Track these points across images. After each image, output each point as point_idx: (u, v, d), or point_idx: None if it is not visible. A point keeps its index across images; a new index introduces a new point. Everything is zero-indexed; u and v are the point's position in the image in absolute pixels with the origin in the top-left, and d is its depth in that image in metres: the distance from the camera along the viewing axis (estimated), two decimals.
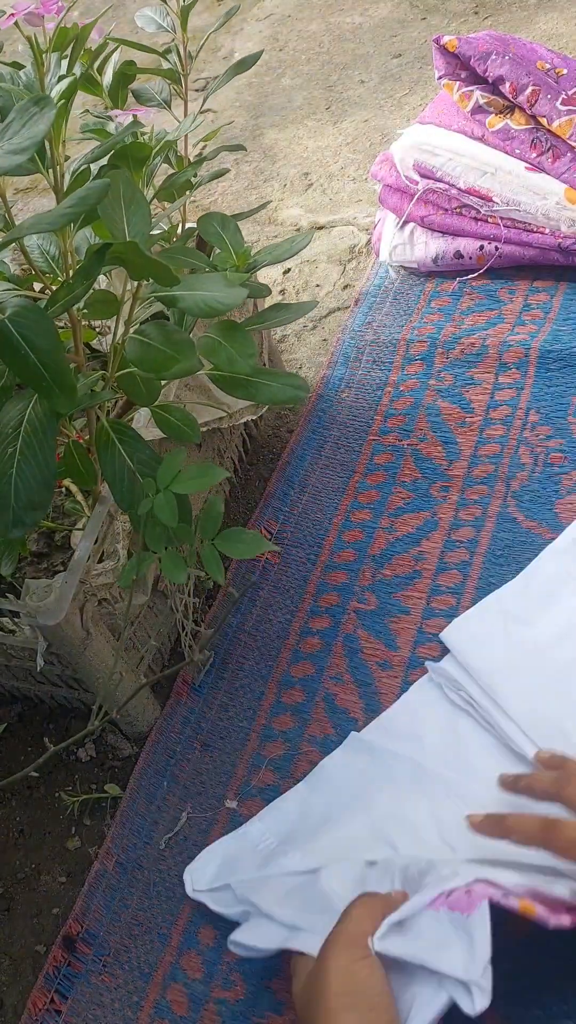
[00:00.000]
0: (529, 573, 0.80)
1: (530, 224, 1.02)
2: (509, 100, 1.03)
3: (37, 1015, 0.69)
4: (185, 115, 0.83)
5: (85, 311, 0.67)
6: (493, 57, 1.03)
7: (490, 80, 1.03)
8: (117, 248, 0.57)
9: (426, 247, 1.10)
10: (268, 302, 1.16)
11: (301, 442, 1.00)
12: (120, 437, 0.69)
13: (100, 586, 0.73)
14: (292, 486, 0.96)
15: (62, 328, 0.73)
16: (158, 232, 0.85)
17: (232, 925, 0.65)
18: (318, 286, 1.20)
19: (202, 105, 0.88)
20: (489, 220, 1.05)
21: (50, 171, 0.63)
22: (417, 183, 1.08)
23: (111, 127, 0.80)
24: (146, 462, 0.69)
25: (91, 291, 0.61)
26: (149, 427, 0.77)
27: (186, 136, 0.82)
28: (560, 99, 1.01)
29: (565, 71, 1.03)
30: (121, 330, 0.68)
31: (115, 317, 0.67)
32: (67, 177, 0.65)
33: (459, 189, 1.05)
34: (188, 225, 0.91)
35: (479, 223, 1.05)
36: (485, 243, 1.05)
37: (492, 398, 0.96)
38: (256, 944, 0.61)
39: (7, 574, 0.77)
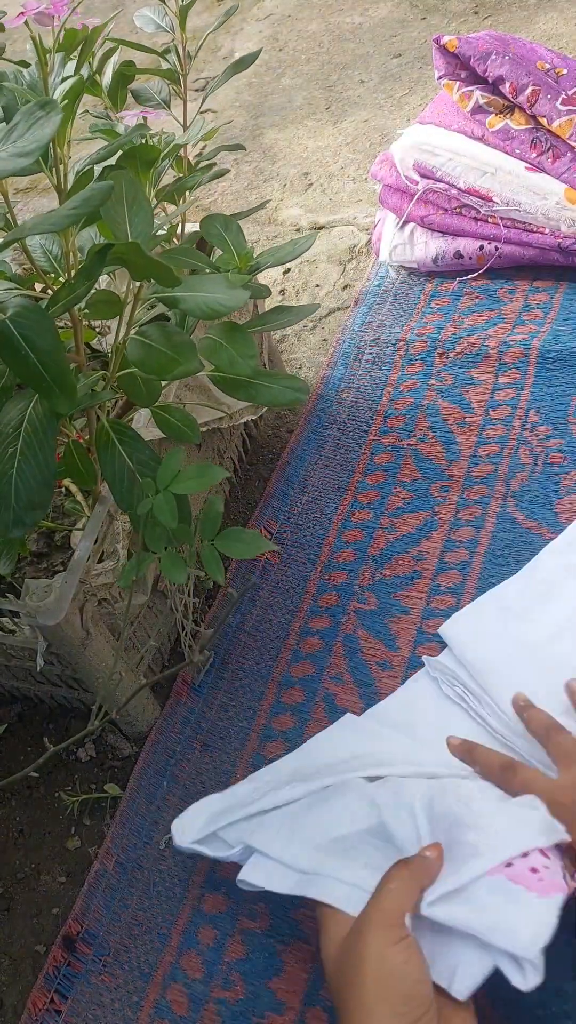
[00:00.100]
0: (528, 570, 0.81)
1: (530, 224, 1.02)
2: (509, 100, 1.03)
3: (37, 1015, 0.69)
4: (185, 115, 0.83)
5: (86, 311, 0.67)
6: (493, 57, 1.03)
7: (490, 80, 1.03)
8: (119, 249, 0.57)
9: (426, 247, 1.10)
10: (268, 302, 1.16)
11: (301, 442, 1.00)
12: (120, 437, 0.69)
13: (100, 586, 0.73)
14: (292, 486, 0.96)
15: (63, 328, 0.73)
16: (161, 233, 0.85)
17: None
18: (318, 286, 1.20)
19: (201, 105, 0.88)
20: (489, 220, 1.05)
21: (53, 171, 0.63)
22: (417, 183, 1.08)
23: (120, 128, 0.80)
24: (146, 462, 0.69)
25: (93, 291, 0.61)
26: (149, 427, 0.77)
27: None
28: (560, 99, 1.01)
29: (565, 71, 1.03)
30: (122, 331, 0.68)
31: (116, 318, 0.67)
32: (71, 177, 0.65)
33: (459, 189, 1.05)
34: (189, 226, 0.91)
35: (479, 223, 1.05)
36: (485, 243, 1.05)
37: (492, 398, 0.96)
38: (266, 886, 0.61)
39: (7, 574, 0.77)
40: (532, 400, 0.94)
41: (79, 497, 0.81)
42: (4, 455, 0.59)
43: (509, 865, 0.54)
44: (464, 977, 0.52)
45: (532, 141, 1.02)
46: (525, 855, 0.54)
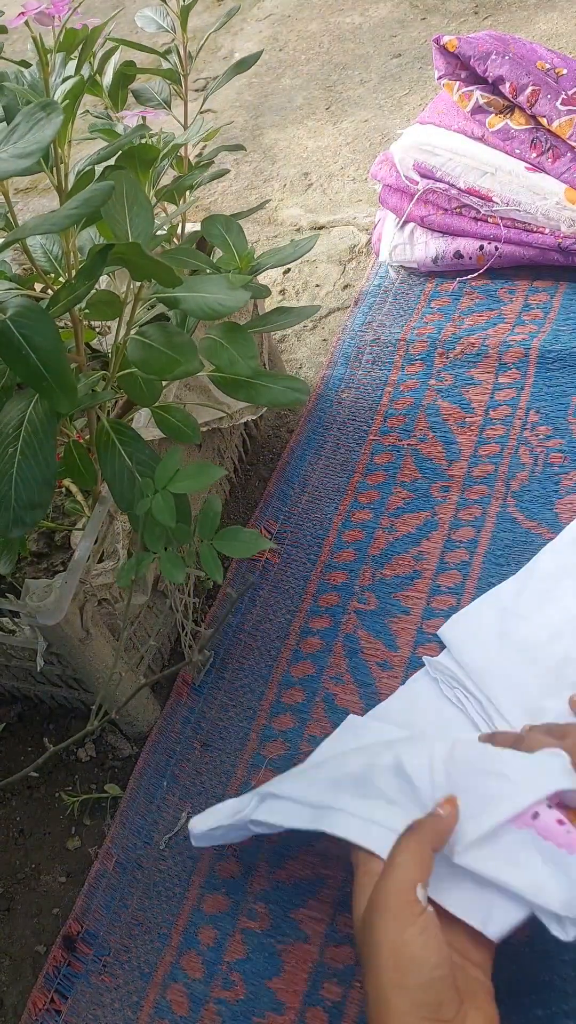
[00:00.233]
0: (527, 571, 0.81)
1: (530, 224, 1.02)
2: (509, 100, 1.03)
3: (37, 1015, 0.69)
4: (185, 115, 0.83)
5: (87, 311, 0.67)
6: (493, 57, 1.03)
7: (490, 80, 1.04)
8: (120, 249, 0.57)
9: (426, 247, 1.10)
10: (268, 302, 1.16)
11: (301, 442, 1.00)
12: (120, 437, 0.69)
13: (100, 586, 0.73)
14: (292, 486, 0.96)
15: (63, 328, 0.73)
16: (161, 233, 0.85)
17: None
18: (318, 286, 1.20)
19: (202, 105, 0.88)
20: (489, 220, 1.05)
21: (54, 171, 0.63)
22: (417, 183, 1.08)
23: (119, 128, 0.80)
24: (146, 462, 0.69)
25: (93, 291, 0.61)
26: (149, 427, 0.77)
27: None
28: (560, 99, 1.01)
29: (565, 71, 1.03)
30: (123, 331, 0.68)
31: (116, 318, 0.67)
32: (71, 177, 0.65)
33: (459, 189, 1.05)
34: (189, 226, 0.91)
35: (479, 223, 1.05)
36: (485, 243, 1.06)
37: (492, 398, 0.96)
38: (282, 823, 0.60)
39: (7, 574, 0.77)
40: (532, 400, 0.94)
41: (79, 497, 0.81)
42: (4, 455, 0.59)
43: (536, 816, 0.53)
44: (499, 920, 0.52)
45: (532, 141, 1.02)
46: (550, 806, 0.54)
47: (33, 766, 0.74)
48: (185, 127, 0.83)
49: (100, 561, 0.74)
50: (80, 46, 0.65)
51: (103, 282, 0.86)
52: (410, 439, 0.96)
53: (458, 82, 1.07)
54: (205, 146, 1.41)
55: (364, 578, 0.86)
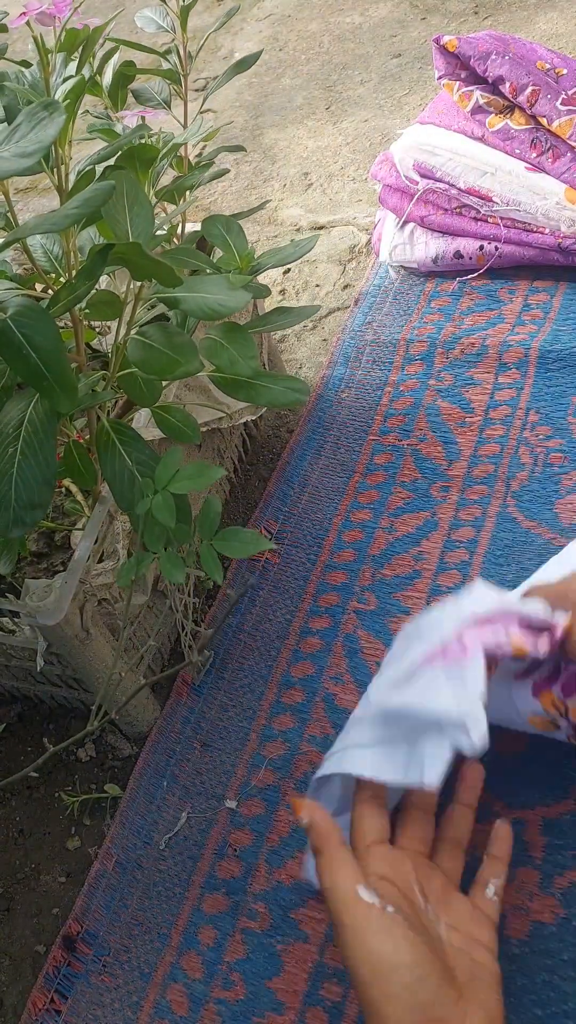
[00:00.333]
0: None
1: (530, 224, 1.02)
2: (509, 100, 1.03)
3: (37, 1015, 0.69)
4: (185, 115, 0.83)
5: (87, 311, 0.67)
6: (493, 57, 1.03)
7: (490, 80, 1.04)
8: (120, 248, 0.57)
9: (426, 247, 1.10)
10: (268, 302, 1.16)
11: (301, 442, 1.00)
12: (120, 437, 0.69)
13: (100, 586, 0.73)
14: (292, 486, 0.96)
15: (63, 328, 0.73)
16: (161, 233, 0.85)
17: None
18: (318, 286, 1.20)
19: (202, 105, 0.88)
20: (489, 220, 1.05)
21: (54, 171, 0.63)
22: (417, 183, 1.08)
23: (118, 128, 0.80)
24: (146, 462, 0.69)
25: (93, 291, 0.61)
26: (149, 427, 0.77)
27: None
28: (560, 99, 1.01)
29: (565, 71, 1.03)
30: (123, 331, 0.68)
31: (117, 318, 0.67)
32: (71, 177, 0.65)
33: (459, 189, 1.05)
34: (189, 226, 0.91)
35: (479, 223, 1.05)
36: (485, 243, 1.06)
37: (492, 398, 0.96)
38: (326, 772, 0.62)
39: (7, 574, 0.77)
40: (532, 400, 0.94)
41: (79, 497, 0.81)
42: (4, 455, 0.59)
43: (445, 651, 0.57)
44: (431, 766, 0.54)
45: (532, 141, 1.02)
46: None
47: (33, 766, 0.74)
48: (185, 127, 0.83)
49: (100, 561, 0.74)
50: (81, 46, 0.65)
51: (103, 282, 0.86)
52: (410, 439, 0.96)
53: (458, 82, 1.07)
54: (205, 146, 1.41)
55: (364, 578, 0.86)
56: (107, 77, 0.83)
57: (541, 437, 0.91)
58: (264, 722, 0.79)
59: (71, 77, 0.62)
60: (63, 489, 0.83)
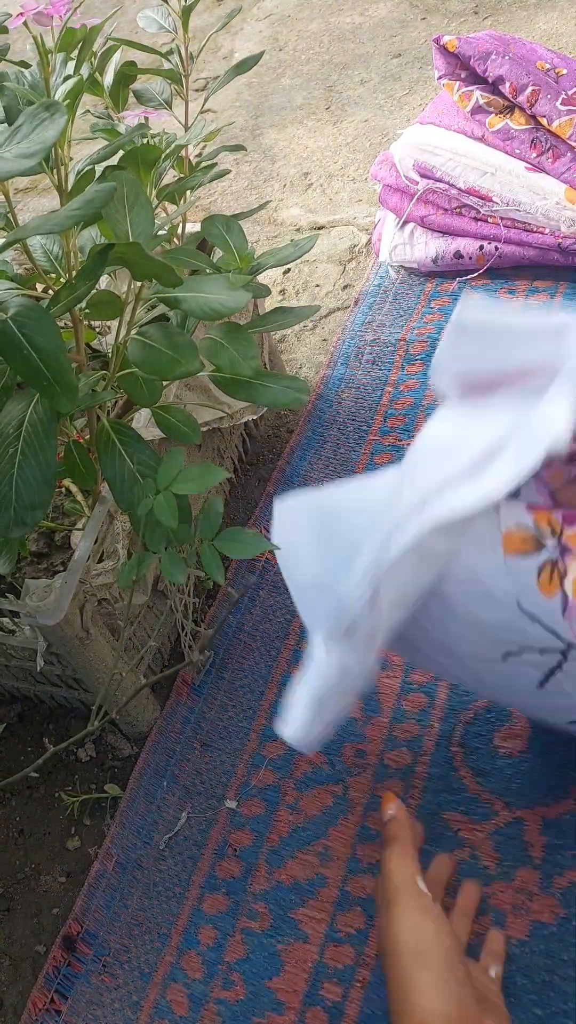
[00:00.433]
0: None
1: (530, 224, 1.02)
2: (509, 100, 1.03)
3: (37, 1015, 0.69)
4: (186, 115, 0.83)
5: (87, 311, 0.67)
6: (493, 57, 1.03)
7: (490, 80, 1.04)
8: (120, 249, 0.57)
9: (426, 247, 1.10)
10: (268, 302, 1.16)
11: (301, 442, 1.00)
12: (121, 437, 0.69)
13: (100, 586, 0.73)
14: (292, 486, 0.96)
15: (64, 328, 0.73)
16: (161, 234, 0.85)
17: None
18: (318, 286, 1.20)
19: (203, 105, 0.88)
20: (489, 220, 1.05)
21: (54, 171, 0.63)
22: (417, 183, 1.08)
23: (121, 128, 0.80)
24: (146, 462, 0.69)
25: (93, 291, 0.61)
26: (149, 427, 0.77)
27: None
28: (560, 99, 1.01)
29: (565, 71, 1.03)
30: (123, 331, 0.68)
31: (117, 318, 0.67)
32: (71, 177, 0.65)
33: (459, 189, 1.05)
34: (189, 225, 0.91)
35: (479, 223, 1.05)
36: (485, 243, 1.06)
37: None
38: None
39: (7, 574, 0.77)
40: None
41: (79, 497, 0.81)
42: (5, 455, 0.59)
43: None
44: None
45: (532, 141, 1.02)
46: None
47: (33, 766, 0.74)
48: (186, 127, 0.83)
49: (100, 561, 0.74)
50: (79, 45, 0.65)
51: (103, 282, 0.86)
52: (410, 439, 0.96)
53: (458, 82, 1.07)
54: (205, 146, 1.41)
55: None
56: (108, 77, 0.83)
57: None
58: (264, 722, 0.79)
59: (70, 77, 0.62)
60: (63, 489, 0.83)
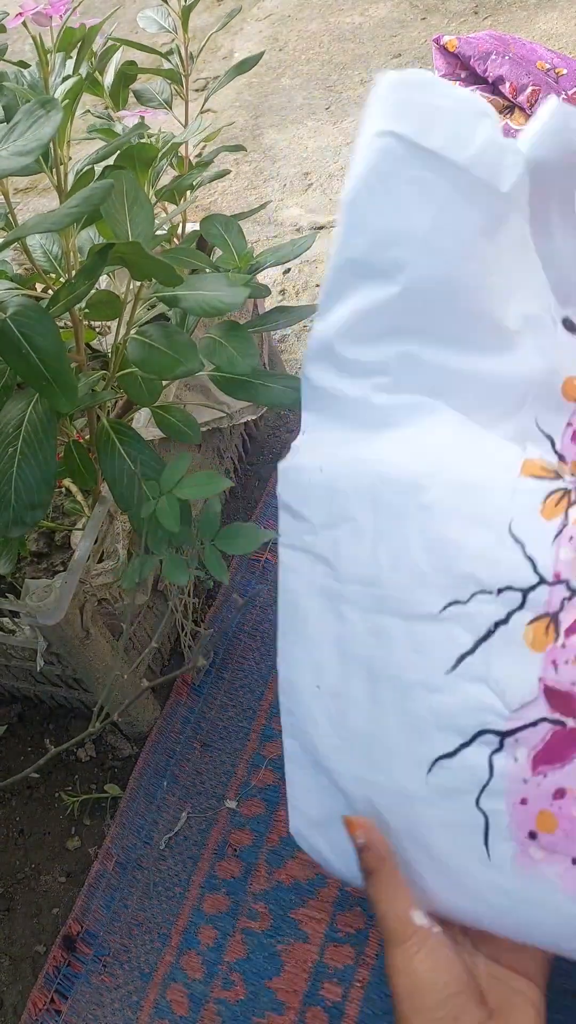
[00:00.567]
0: None
1: None
2: (509, 100, 1.03)
3: (37, 1015, 0.69)
4: (186, 115, 0.83)
5: (87, 311, 0.67)
6: (493, 57, 1.03)
7: (490, 80, 1.03)
8: (120, 248, 0.57)
9: None
10: (268, 302, 1.16)
11: None
12: (121, 437, 0.69)
13: (100, 586, 0.73)
14: None
15: (63, 328, 0.73)
16: (161, 233, 0.85)
17: None
18: (318, 286, 1.20)
19: (203, 105, 0.88)
20: None
21: (53, 171, 0.63)
22: None
23: (118, 128, 0.80)
24: (146, 462, 0.69)
25: (93, 291, 0.61)
26: (149, 427, 0.77)
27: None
28: (560, 99, 1.01)
29: (565, 71, 1.03)
30: (122, 331, 0.68)
31: (116, 318, 0.67)
32: (71, 177, 0.65)
33: None
34: (189, 225, 0.91)
35: None
36: None
37: None
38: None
39: (7, 574, 0.77)
40: None
41: (79, 497, 0.81)
42: (4, 455, 0.59)
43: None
44: None
45: None
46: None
47: (34, 767, 0.74)
48: (186, 127, 0.83)
49: (100, 561, 0.74)
50: (79, 45, 0.65)
51: (103, 282, 0.86)
52: None
53: (458, 82, 1.07)
54: (205, 146, 1.41)
55: None
56: (109, 77, 0.83)
57: None
58: (264, 722, 0.79)
59: (70, 76, 0.62)
60: (63, 489, 0.83)
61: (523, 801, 0.49)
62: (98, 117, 0.85)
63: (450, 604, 0.51)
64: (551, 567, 0.49)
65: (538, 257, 0.55)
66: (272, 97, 1.58)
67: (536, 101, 1.00)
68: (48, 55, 0.62)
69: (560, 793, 0.48)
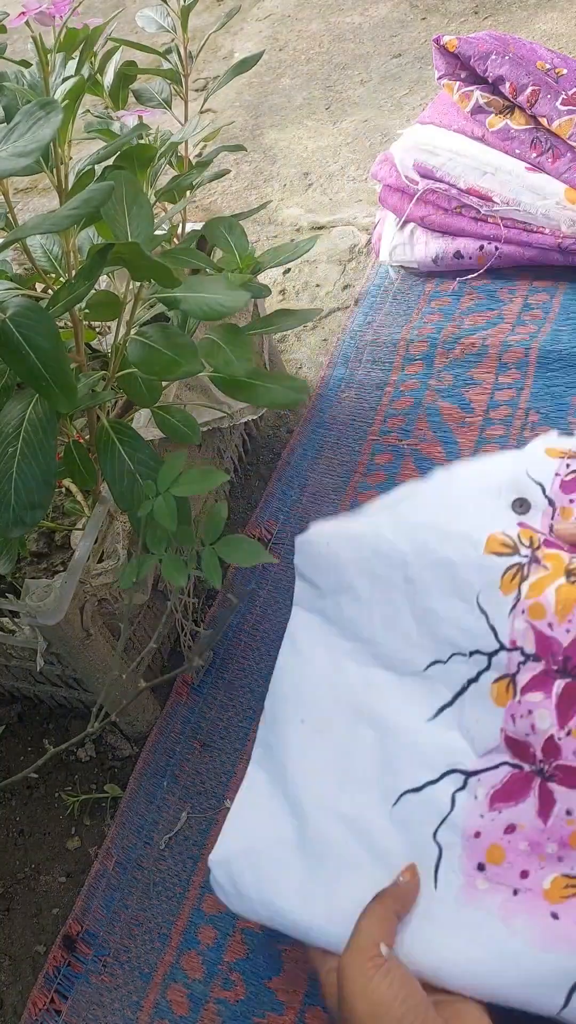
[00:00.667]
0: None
1: (530, 224, 1.02)
2: (509, 100, 1.03)
3: (37, 1015, 0.69)
4: (186, 115, 0.83)
5: (87, 311, 0.67)
6: (493, 57, 1.03)
7: (490, 80, 1.04)
8: (119, 249, 0.57)
9: (426, 247, 1.10)
10: (268, 302, 1.16)
11: (301, 442, 1.00)
12: (120, 437, 0.69)
13: (100, 586, 0.73)
14: (292, 486, 0.96)
15: (63, 328, 0.73)
16: (160, 233, 0.85)
17: None
18: (318, 286, 1.20)
19: (202, 105, 0.88)
20: (489, 220, 1.05)
21: (54, 171, 0.63)
22: (417, 183, 1.08)
23: (116, 127, 0.80)
24: (146, 463, 0.69)
25: (93, 291, 0.61)
26: (149, 427, 0.77)
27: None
28: (560, 99, 1.01)
29: (565, 71, 1.03)
30: (123, 331, 0.68)
31: (116, 318, 0.67)
32: (71, 177, 0.65)
33: (459, 189, 1.05)
34: (189, 225, 0.91)
35: (479, 223, 1.05)
36: (485, 243, 1.05)
37: (492, 398, 0.96)
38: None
39: (7, 574, 0.77)
40: (532, 400, 0.94)
41: (79, 497, 0.81)
42: (4, 455, 0.59)
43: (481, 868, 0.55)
44: None
45: (532, 141, 1.02)
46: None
47: (33, 767, 0.74)
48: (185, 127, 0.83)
49: (100, 561, 0.74)
50: (80, 46, 0.65)
51: (103, 282, 0.86)
52: (410, 439, 0.96)
53: (458, 82, 1.07)
54: (205, 146, 1.41)
55: None
56: (109, 77, 0.83)
57: None
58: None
59: (70, 77, 0.62)
60: (63, 489, 0.83)
61: (477, 834, 0.56)
62: (98, 117, 0.85)
63: (433, 663, 0.61)
64: (508, 635, 0.58)
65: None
66: (272, 97, 1.58)
67: (536, 101, 1.01)
68: (49, 55, 0.62)
69: (511, 828, 0.55)
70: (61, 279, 0.76)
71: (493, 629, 0.58)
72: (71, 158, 0.66)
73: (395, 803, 0.58)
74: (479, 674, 0.59)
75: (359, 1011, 0.50)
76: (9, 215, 0.67)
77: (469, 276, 1.09)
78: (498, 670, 0.58)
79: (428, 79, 1.46)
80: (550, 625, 0.56)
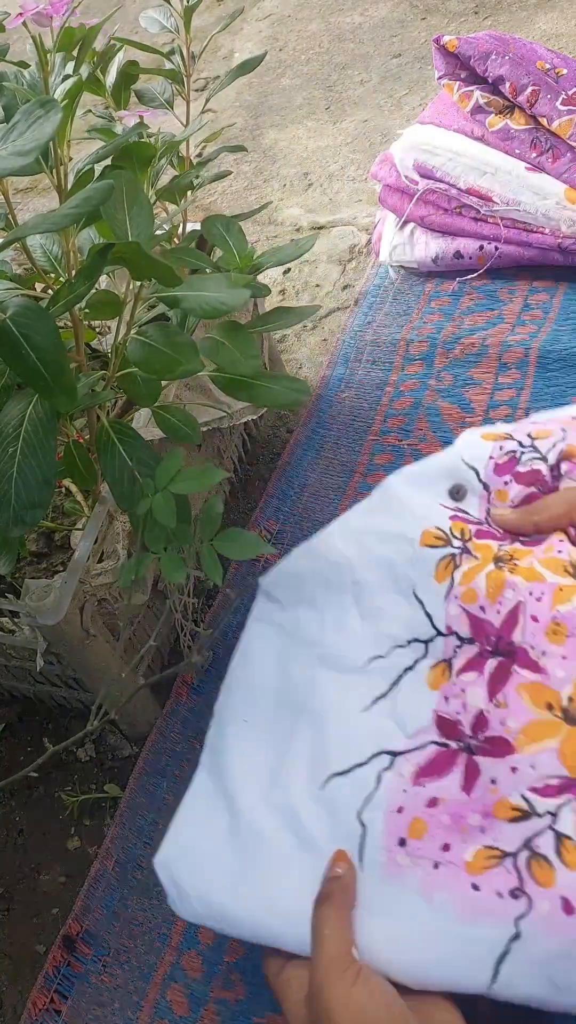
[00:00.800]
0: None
1: (530, 224, 1.02)
2: (509, 100, 1.03)
3: (37, 1015, 0.69)
4: (187, 115, 0.83)
5: (87, 311, 0.67)
6: (493, 57, 1.03)
7: (490, 80, 1.04)
8: (120, 248, 0.57)
9: (426, 247, 1.10)
10: (268, 302, 1.16)
11: (301, 442, 1.00)
12: (120, 437, 0.69)
13: (100, 586, 0.73)
14: (292, 486, 0.96)
15: (63, 328, 0.73)
16: (161, 233, 0.85)
17: None
18: (318, 286, 1.20)
19: (204, 106, 0.88)
20: (489, 220, 1.05)
21: (53, 171, 0.63)
22: (417, 183, 1.08)
23: (118, 128, 0.80)
24: (146, 462, 0.69)
25: (93, 291, 0.61)
26: (149, 427, 0.77)
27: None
28: (560, 99, 1.01)
29: (565, 71, 1.03)
30: (123, 331, 0.68)
31: (116, 318, 0.67)
32: (71, 177, 0.65)
33: (459, 189, 1.05)
34: (189, 225, 0.91)
35: (479, 223, 1.05)
36: (485, 243, 1.06)
37: (492, 398, 0.96)
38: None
39: (7, 574, 0.77)
40: (532, 400, 0.94)
41: (79, 497, 0.81)
42: (4, 455, 0.59)
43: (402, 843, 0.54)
44: None
45: (532, 141, 1.02)
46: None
47: (33, 766, 0.74)
48: (186, 127, 0.83)
49: (100, 561, 0.74)
50: (79, 45, 0.65)
51: (103, 282, 0.86)
52: (410, 439, 0.96)
53: (458, 82, 1.07)
54: (206, 146, 1.41)
55: None
56: (111, 76, 0.83)
57: None
58: None
59: (69, 77, 0.62)
60: (63, 489, 0.83)
61: (399, 809, 0.56)
62: (99, 117, 0.85)
63: (375, 658, 0.63)
64: (444, 621, 0.60)
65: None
66: (272, 97, 1.58)
67: (536, 101, 1.01)
68: (48, 55, 0.62)
69: (433, 802, 0.55)
70: (61, 279, 0.76)
71: (429, 616, 0.61)
72: (71, 158, 0.65)
73: (322, 786, 0.58)
74: (416, 662, 0.61)
75: (340, 1020, 0.49)
76: (9, 215, 0.67)
77: (469, 276, 1.09)
78: (435, 656, 0.60)
79: (428, 79, 1.46)
80: (482, 608, 0.58)
